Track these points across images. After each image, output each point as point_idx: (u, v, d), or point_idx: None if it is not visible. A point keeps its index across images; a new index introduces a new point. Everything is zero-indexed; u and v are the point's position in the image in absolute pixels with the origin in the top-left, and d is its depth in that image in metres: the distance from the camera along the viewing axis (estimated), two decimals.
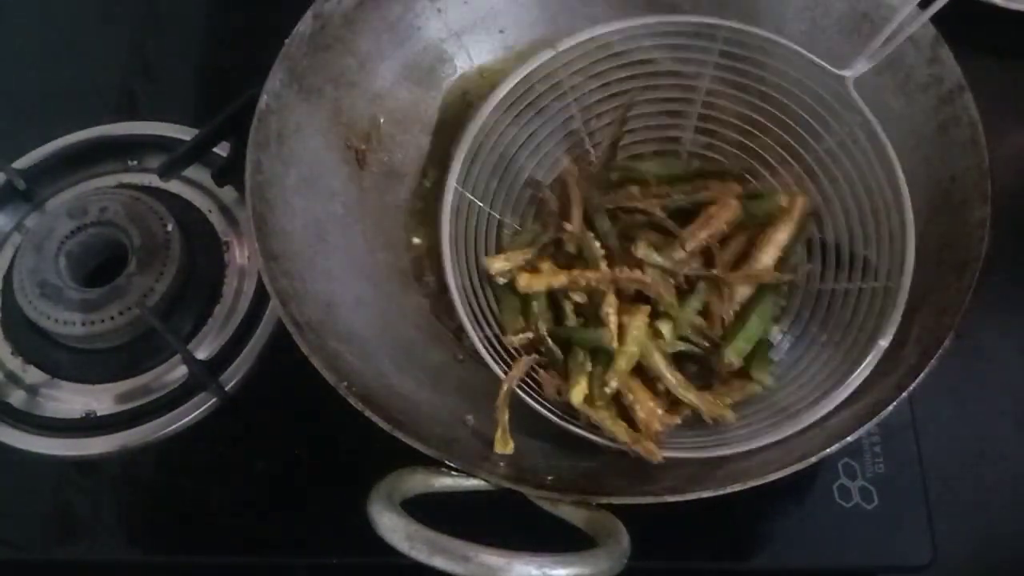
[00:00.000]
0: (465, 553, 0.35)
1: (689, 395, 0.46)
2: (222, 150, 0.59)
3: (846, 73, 0.47)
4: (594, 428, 0.45)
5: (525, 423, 0.48)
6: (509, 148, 0.52)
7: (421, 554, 0.36)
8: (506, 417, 0.45)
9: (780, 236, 0.49)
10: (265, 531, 0.51)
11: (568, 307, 0.49)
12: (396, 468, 0.41)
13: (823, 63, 0.47)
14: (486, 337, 0.48)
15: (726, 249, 0.50)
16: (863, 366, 0.43)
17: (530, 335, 0.49)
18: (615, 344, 0.46)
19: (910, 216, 0.45)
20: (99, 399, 0.54)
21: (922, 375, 0.42)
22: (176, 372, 0.55)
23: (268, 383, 0.54)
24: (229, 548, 0.51)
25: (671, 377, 0.46)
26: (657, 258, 0.48)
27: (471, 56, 0.59)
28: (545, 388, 0.47)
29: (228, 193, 0.60)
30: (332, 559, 0.50)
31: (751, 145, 0.51)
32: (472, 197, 0.50)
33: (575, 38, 0.49)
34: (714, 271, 0.48)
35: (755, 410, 0.47)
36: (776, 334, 0.50)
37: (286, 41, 0.52)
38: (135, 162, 0.63)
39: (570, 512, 0.41)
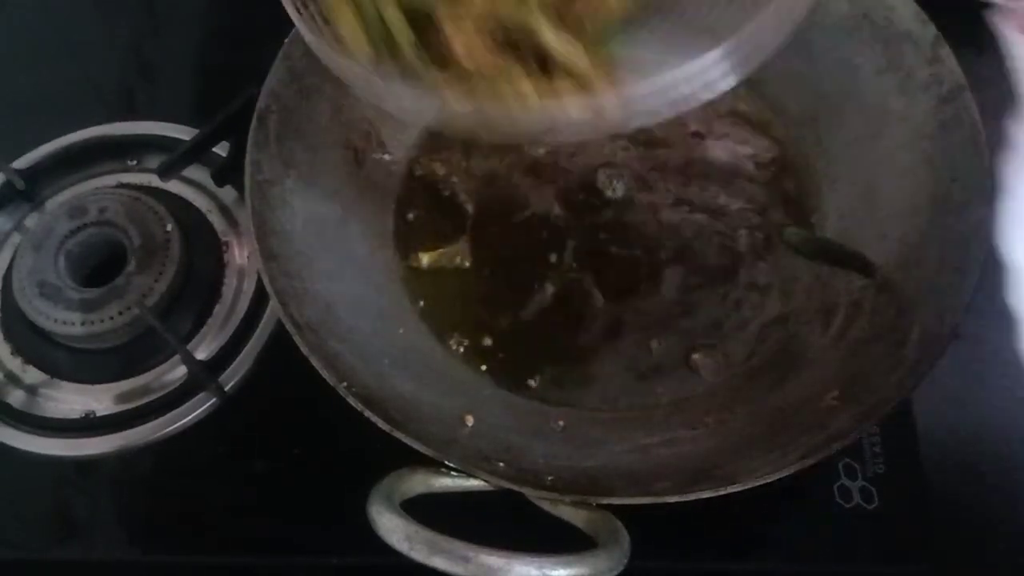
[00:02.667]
0: (464, 554, 0.35)
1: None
2: (222, 150, 0.59)
3: None
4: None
5: (525, 423, 0.48)
6: None
7: (420, 554, 0.36)
8: None
9: None
10: (265, 531, 0.51)
11: None
12: (396, 468, 0.41)
13: None
14: None
15: None
16: None
17: None
18: None
19: None
20: (98, 399, 0.54)
21: (922, 375, 0.42)
22: (175, 372, 0.55)
23: (268, 383, 0.54)
24: (229, 548, 0.51)
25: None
26: None
27: None
28: None
29: (228, 193, 0.60)
30: (332, 559, 0.50)
31: None
32: None
33: None
34: None
35: None
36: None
37: (286, 41, 0.52)
38: (134, 162, 0.62)
39: (570, 512, 0.41)
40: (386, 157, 0.56)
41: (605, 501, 0.40)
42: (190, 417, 0.53)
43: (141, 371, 0.55)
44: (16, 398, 0.54)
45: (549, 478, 0.42)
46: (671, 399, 0.50)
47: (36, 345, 0.55)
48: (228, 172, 0.58)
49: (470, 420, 0.47)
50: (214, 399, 0.53)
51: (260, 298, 0.56)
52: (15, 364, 0.56)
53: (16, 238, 0.60)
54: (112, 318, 0.53)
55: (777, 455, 0.42)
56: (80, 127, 0.63)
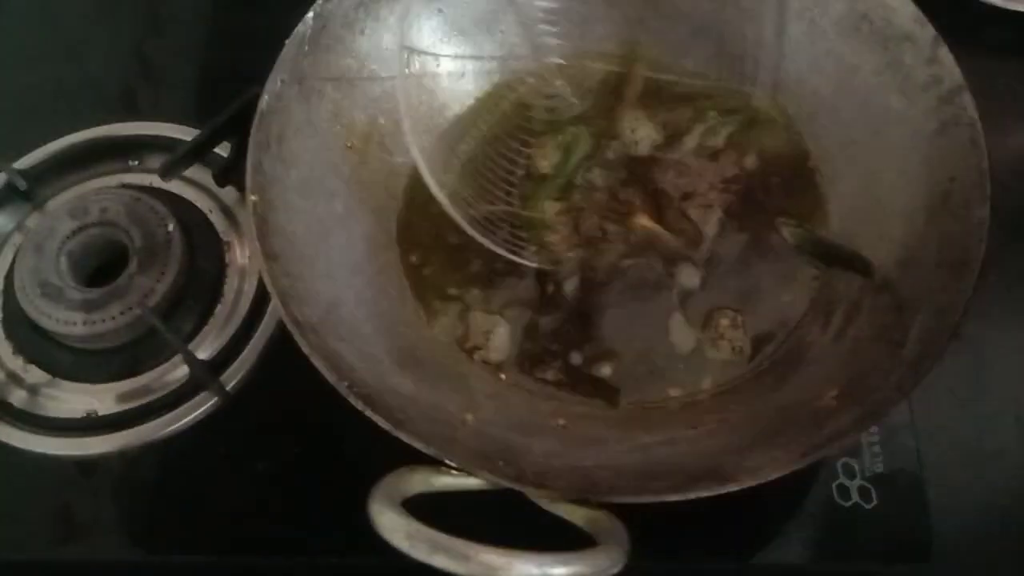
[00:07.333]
0: (465, 552, 0.35)
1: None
2: (223, 150, 0.59)
3: None
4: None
5: (525, 421, 0.49)
6: None
7: (421, 553, 0.36)
8: None
9: None
10: (265, 531, 0.51)
11: None
12: (397, 467, 0.41)
13: None
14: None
15: None
16: None
17: None
18: None
19: None
20: (100, 399, 0.54)
21: (922, 375, 0.42)
22: (177, 372, 0.55)
23: (269, 383, 0.54)
24: (229, 548, 0.51)
25: None
26: None
27: None
28: None
29: (229, 193, 0.60)
30: (332, 559, 0.50)
31: None
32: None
33: None
34: None
35: None
36: None
37: (286, 41, 0.52)
38: (136, 162, 0.63)
39: (570, 511, 0.41)
40: (387, 158, 0.57)
41: (605, 499, 0.40)
42: (191, 417, 0.53)
43: (143, 371, 0.55)
44: (18, 398, 0.55)
45: (549, 477, 0.42)
46: (674, 398, 0.50)
47: (38, 345, 0.56)
48: (230, 172, 0.58)
49: (470, 419, 0.47)
50: (215, 399, 0.53)
51: (261, 298, 0.56)
52: (17, 364, 0.56)
53: (18, 238, 0.60)
54: (114, 318, 0.53)
55: (777, 454, 0.42)
56: (81, 127, 0.63)
